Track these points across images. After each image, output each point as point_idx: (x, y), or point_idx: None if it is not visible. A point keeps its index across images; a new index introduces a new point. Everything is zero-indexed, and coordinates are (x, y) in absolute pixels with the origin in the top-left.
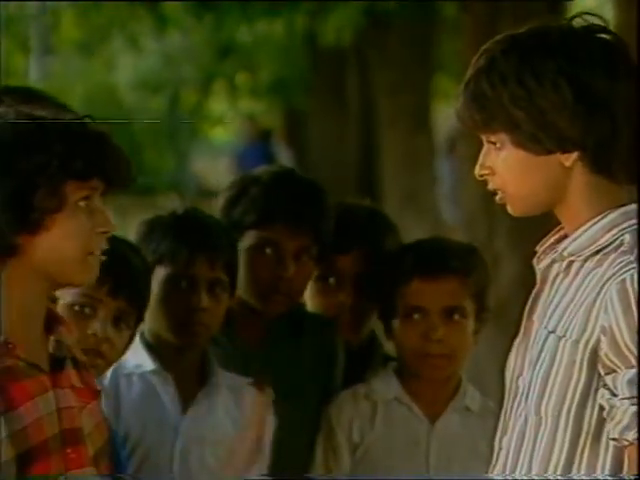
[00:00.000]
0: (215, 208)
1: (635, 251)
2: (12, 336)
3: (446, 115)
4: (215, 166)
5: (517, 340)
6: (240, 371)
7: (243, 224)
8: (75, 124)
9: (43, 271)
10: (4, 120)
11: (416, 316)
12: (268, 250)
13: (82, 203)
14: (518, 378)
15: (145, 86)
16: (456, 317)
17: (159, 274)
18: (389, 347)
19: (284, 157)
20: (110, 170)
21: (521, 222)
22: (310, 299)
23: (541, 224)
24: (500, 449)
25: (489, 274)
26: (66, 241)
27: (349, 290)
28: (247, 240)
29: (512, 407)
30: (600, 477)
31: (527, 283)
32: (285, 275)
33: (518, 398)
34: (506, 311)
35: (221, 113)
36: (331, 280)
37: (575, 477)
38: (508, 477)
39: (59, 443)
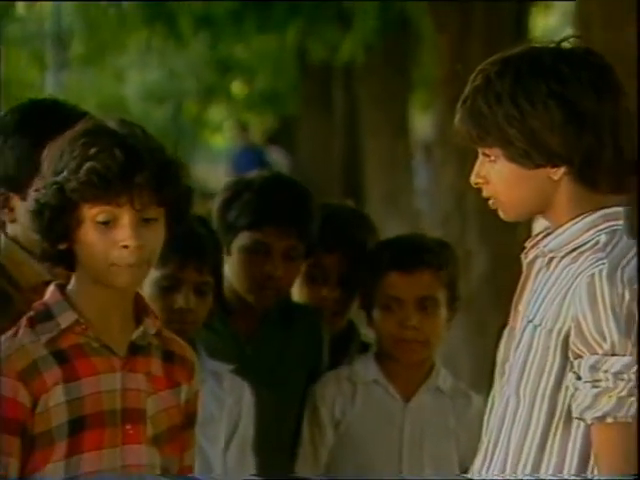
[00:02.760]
0: (212, 209)
1: (608, 249)
2: (89, 321)
3: (423, 124)
4: (214, 170)
5: (506, 329)
6: (236, 357)
7: (237, 226)
8: (95, 146)
9: (90, 273)
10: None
11: (393, 306)
12: (259, 250)
13: (101, 219)
14: (505, 363)
15: (151, 97)
16: (429, 306)
17: (151, 276)
18: (367, 334)
19: (276, 161)
20: (129, 192)
21: (490, 222)
22: (298, 292)
23: (507, 225)
24: (487, 428)
25: (460, 268)
26: (88, 253)
27: (333, 285)
28: (240, 240)
29: (498, 389)
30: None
31: (495, 276)
32: (274, 273)
33: (503, 381)
34: (476, 301)
35: (219, 122)
36: (317, 276)
37: (567, 477)
38: (485, 477)
39: (118, 419)
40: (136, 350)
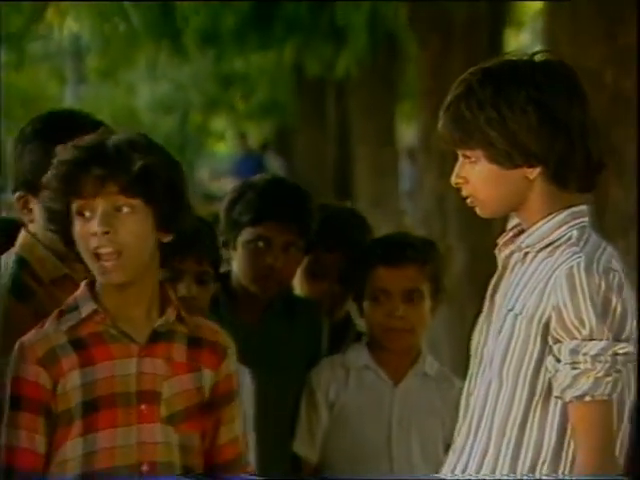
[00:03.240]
0: (217, 210)
1: (581, 243)
2: (108, 311)
3: (407, 133)
4: (217, 175)
5: (481, 317)
6: (241, 344)
7: (241, 222)
8: (68, 146)
9: None
10: None
11: (381, 298)
12: (261, 244)
13: (80, 211)
14: (483, 348)
15: (159, 108)
16: (415, 298)
17: None
18: (361, 324)
19: (275, 166)
20: (94, 182)
21: (468, 221)
22: (300, 286)
23: (484, 223)
24: (467, 408)
25: (443, 263)
26: (78, 246)
27: (332, 280)
28: (244, 235)
29: (478, 372)
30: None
31: (473, 270)
32: (275, 264)
33: (483, 365)
34: (457, 293)
35: (222, 131)
36: (318, 272)
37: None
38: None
39: (133, 400)
40: (157, 337)
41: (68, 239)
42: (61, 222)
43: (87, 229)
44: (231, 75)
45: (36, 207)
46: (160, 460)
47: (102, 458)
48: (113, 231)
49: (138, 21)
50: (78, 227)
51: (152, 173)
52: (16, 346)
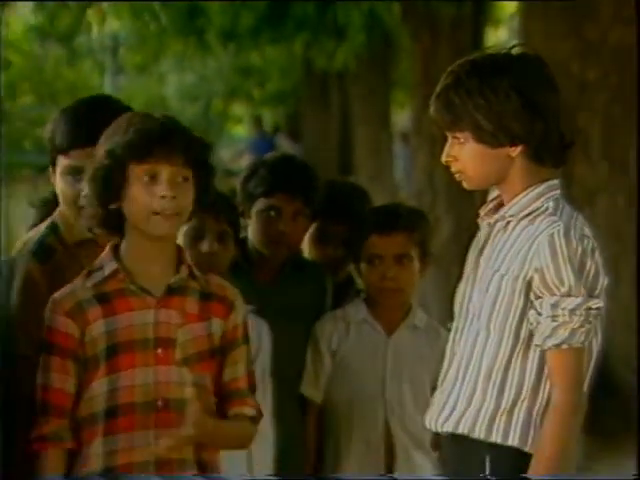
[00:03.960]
0: (236, 184)
1: (558, 213)
2: (130, 269)
3: (401, 117)
4: (236, 154)
5: (464, 277)
6: (257, 301)
7: (255, 194)
8: (133, 120)
9: (135, 227)
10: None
11: (375, 261)
12: (272, 213)
13: (145, 177)
14: (468, 304)
15: (186, 97)
16: (405, 261)
17: (182, 228)
18: (361, 284)
19: (285, 147)
20: (158, 152)
21: (455, 194)
22: (308, 251)
23: (468, 196)
24: (454, 355)
25: (430, 230)
26: (134, 206)
27: (337, 245)
28: (258, 206)
29: (464, 325)
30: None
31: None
32: (285, 230)
33: (470, 318)
34: (444, 257)
35: (240, 116)
36: (324, 238)
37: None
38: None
39: (151, 345)
40: (172, 292)
41: (112, 198)
42: (113, 183)
43: (152, 191)
44: (248, 67)
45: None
46: (173, 397)
47: (123, 395)
48: (177, 196)
49: (167, 20)
50: (141, 188)
51: (204, 152)
52: (49, 301)
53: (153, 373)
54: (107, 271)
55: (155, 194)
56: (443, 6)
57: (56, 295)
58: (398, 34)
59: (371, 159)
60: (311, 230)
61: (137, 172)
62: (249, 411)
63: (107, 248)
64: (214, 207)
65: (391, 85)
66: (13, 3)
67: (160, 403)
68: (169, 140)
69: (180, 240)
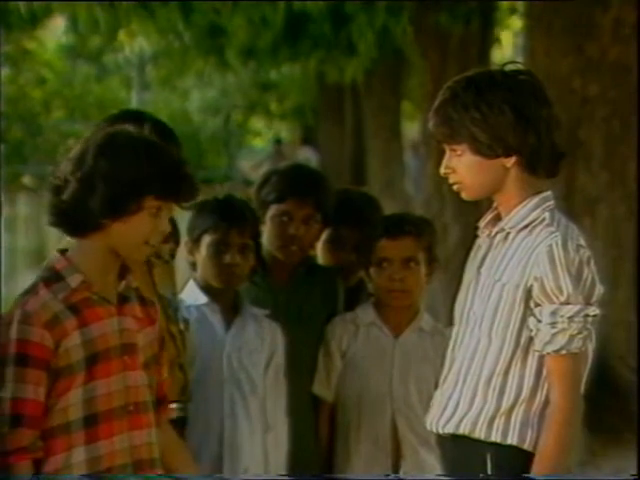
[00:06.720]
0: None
1: (555, 224)
2: (90, 280)
3: (412, 129)
4: (255, 165)
5: (464, 286)
6: (271, 304)
7: (268, 201)
8: (164, 155)
9: (112, 247)
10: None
11: (384, 264)
12: (284, 218)
13: (153, 211)
14: (469, 312)
15: (208, 110)
16: (412, 264)
17: (205, 240)
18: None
19: (308, 158)
20: (181, 193)
21: (462, 202)
22: (322, 256)
23: (475, 205)
24: (454, 359)
25: (438, 237)
26: (135, 232)
27: (349, 251)
28: (270, 212)
29: (465, 331)
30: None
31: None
32: (297, 233)
33: (471, 325)
34: (452, 262)
35: (259, 129)
36: (337, 244)
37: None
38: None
39: (119, 352)
40: (124, 299)
41: (107, 218)
42: (124, 207)
43: (154, 224)
44: (267, 83)
45: None
46: (141, 400)
47: (102, 402)
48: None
49: (190, 39)
50: (147, 221)
51: (195, 194)
52: (18, 313)
53: (123, 379)
54: (73, 283)
55: (157, 228)
56: (452, 25)
57: (27, 307)
58: (409, 51)
59: (383, 169)
60: (324, 236)
61: (151, 205)
62: (172, 415)
63: (57, 257)
64: (237, 220)
65: (402, 99)
66: (47, 24)
67: (132, 407)
68: (188, 183)
69: (204, 251)
